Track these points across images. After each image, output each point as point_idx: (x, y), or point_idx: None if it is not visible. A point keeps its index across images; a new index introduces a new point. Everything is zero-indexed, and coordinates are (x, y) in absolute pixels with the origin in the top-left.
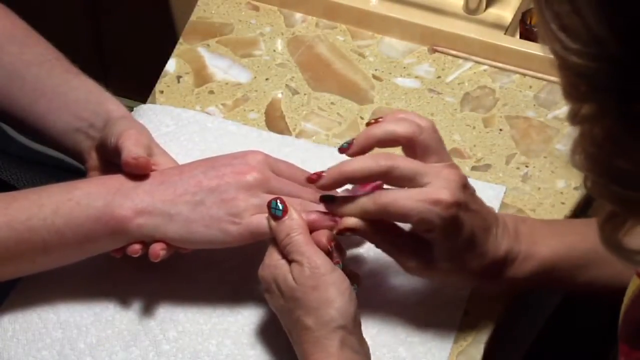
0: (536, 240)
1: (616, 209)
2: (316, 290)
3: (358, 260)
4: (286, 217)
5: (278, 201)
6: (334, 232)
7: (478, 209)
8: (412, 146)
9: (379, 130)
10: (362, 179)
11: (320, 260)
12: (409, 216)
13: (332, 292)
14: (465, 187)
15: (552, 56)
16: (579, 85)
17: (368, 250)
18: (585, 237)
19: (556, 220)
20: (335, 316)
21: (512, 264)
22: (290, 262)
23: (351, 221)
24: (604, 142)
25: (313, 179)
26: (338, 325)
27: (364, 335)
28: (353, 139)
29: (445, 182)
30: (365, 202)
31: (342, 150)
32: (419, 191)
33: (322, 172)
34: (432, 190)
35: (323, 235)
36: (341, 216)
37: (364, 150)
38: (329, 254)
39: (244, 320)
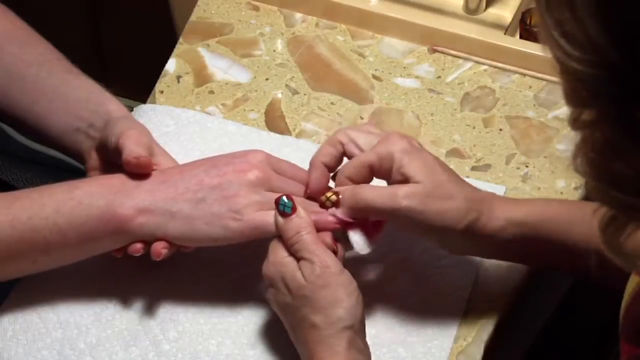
0: (508, 200)
1: (616, 213)
2: (325, 289)
3: (358, 260)
4: (295, 215)
5: (287, 198)
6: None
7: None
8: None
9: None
10: (331, 164)
11: (330, 260)
12: (368, 159)
13: (341, 292)
14: (416, 141)
15: (552, 57)
16: (580, 90)
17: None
18: (560, 203)
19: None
20: (344, 316)
21: (500, 205)
22: (298, 259)
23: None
24: (604, 148)
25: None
26: (346, 326)
27: None
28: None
29: (393, 133)
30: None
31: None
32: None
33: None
34: (383, 137)
35: (327, 236)
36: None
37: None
38: (335, 253)
39: (244, 321)
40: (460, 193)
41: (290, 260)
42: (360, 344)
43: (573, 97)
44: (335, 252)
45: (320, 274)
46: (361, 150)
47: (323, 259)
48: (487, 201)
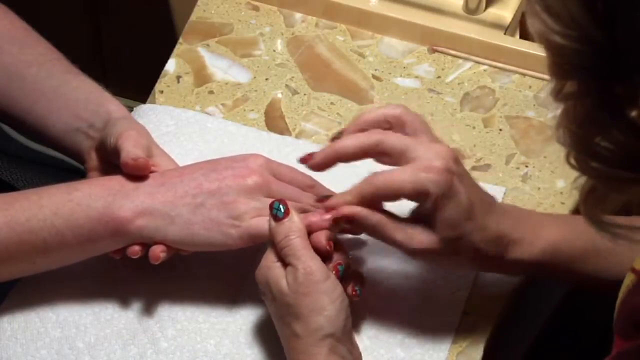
0: (540, 225)
1: (597, 184)
2: (307, 297)
3: (357, 261)
4: (287, 219)
5: (280, 202)
6: (332, 222)
7: (474, 183)
8: (401, 126)
9: (370, 115)
10: (354, 155)
11: (315, 265)
12: (404, 188)
13: (323, 300)
14: (457, 160)
15: (535, 30)
16: (561, 64)
17: (367, 251)
18: (587, 229)
19: (558, 214)
20: (324, 324)
21: (515, 245)
22: (286, 265)
23: (348, 208)
24: (585, 121)
25: (306, 159)
26: (326, 334)
27: (362, 336)
28: (344, 129)
29: (435, 153)
30: (360, 186)
31: (334, 138)
32: (411, 165)
33: (314, 152)
34: (424, 160)
35: (322, 236)
36: (337, 207)
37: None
38: (328, 255)
39: (242, 320)
40: (479, 242)
41: (277, 266)
42: (344, 350)
43: (555, 69)
44: (329, 253)
45: (303, 281)
46: (390, 156)
47: (307, 265)
48: (505, 239)
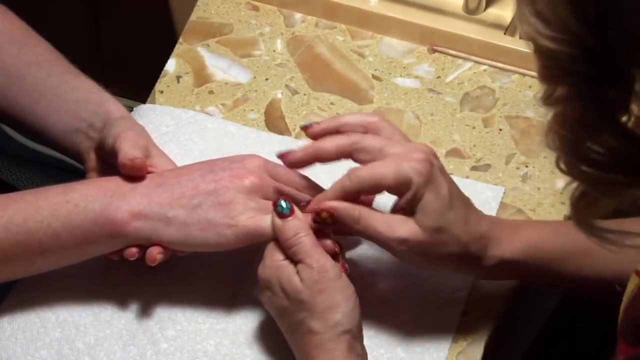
0: (517, 227)
1: (587, 188)
2: (323, 294)
3: (355, 260)
4: (292, 217)
5: (285, 200)
6: (314, 219)
7: (452, 180)
8: (376, 132)
9: (347, 117)
10: (332, 155)
11: (329, 264)
12: (387, 178)
13: (338, 297)
14: (436, 155)
15: (524, 34)
16: (552, 68)
17: (366, 251)
18: (568, 231)
19: (536, 220)
20: (342, 321)
21: (494, 243)
22: (295, 263)
23: (331, 202)
24: (576, 125)
25: (284, 156)
26: (344, 330)
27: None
28: (315, 122)
29: (413, 147)
30: (341, 181)
31: (305, 127)
32: (391, 156)
33: (293, 150)
34: (403, 152)
35: (327, 237)
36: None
37: (326, 130)
38: (335, 254)
39: (241, 320)
40: (461, 236)
41: (287, 264)
42: (359, 348)
43: (546, 74)
44: (335, 253)
45: (318, 279)
46: (367, 154)
47: (322, 263)
48: (486, 240)
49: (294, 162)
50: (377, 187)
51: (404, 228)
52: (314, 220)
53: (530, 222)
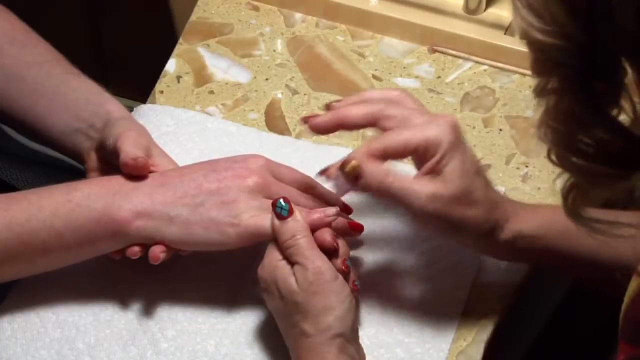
0: (532, 206)
1: (578, 180)
2: (317, 296)
3: (356, 260)
4: (291, 218)
5: (283, 201)
6: (340, 169)
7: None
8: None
9: (370, 92)
10: (357, 121)
11: (325, 265)
12: (415, 139)
13: (332, 299)
14: (459, 125)
15: (516, 26)
16: (544, 61)
17: (366, 250)
18: None
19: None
20: (334, 324)
21: (513, 217)
22: (292, 264)
23: (358, 160)
24: (566, 117)
25: (309, 118)
26: (336, 333)
27: (362, 336)
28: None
29: (437, 116)
30: (369, 143)
31: (328, 106)
32: (419, 122)
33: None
34: (430, 119)
35: (327, 233)
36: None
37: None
38: (334, 251)
39: (242, 320)
40: (484, 201)
41: (283, 264)
42: (352, 350)
43: (538, 66)
44: (335, 250)
45: (313, 281)
46: (394, 120)
47: (317, 265)
48: (505, 211)
49: (318, 126)
50: (404, 150)
51: (433, 184)
52: (340, 168)
53: (547, 204)
